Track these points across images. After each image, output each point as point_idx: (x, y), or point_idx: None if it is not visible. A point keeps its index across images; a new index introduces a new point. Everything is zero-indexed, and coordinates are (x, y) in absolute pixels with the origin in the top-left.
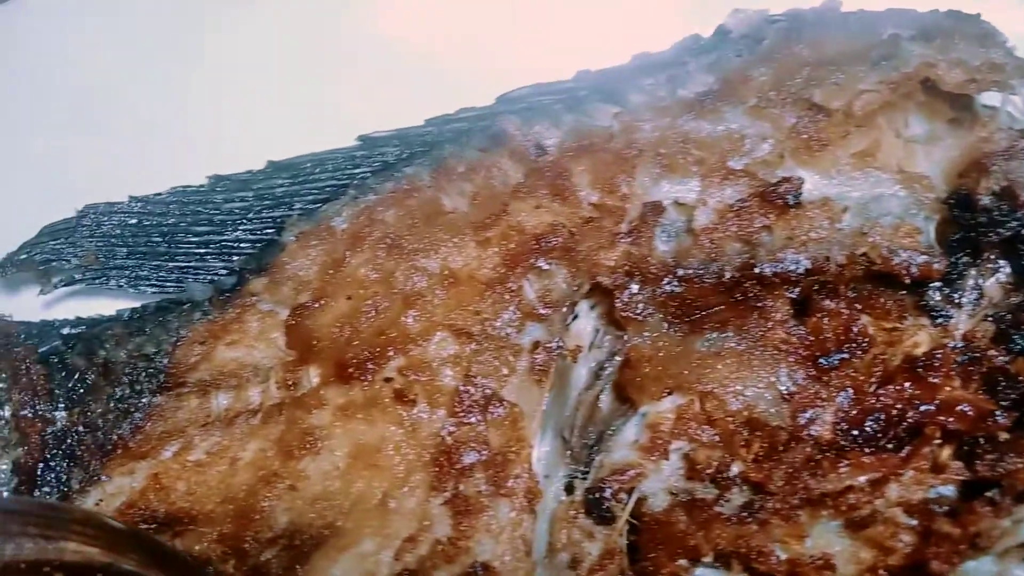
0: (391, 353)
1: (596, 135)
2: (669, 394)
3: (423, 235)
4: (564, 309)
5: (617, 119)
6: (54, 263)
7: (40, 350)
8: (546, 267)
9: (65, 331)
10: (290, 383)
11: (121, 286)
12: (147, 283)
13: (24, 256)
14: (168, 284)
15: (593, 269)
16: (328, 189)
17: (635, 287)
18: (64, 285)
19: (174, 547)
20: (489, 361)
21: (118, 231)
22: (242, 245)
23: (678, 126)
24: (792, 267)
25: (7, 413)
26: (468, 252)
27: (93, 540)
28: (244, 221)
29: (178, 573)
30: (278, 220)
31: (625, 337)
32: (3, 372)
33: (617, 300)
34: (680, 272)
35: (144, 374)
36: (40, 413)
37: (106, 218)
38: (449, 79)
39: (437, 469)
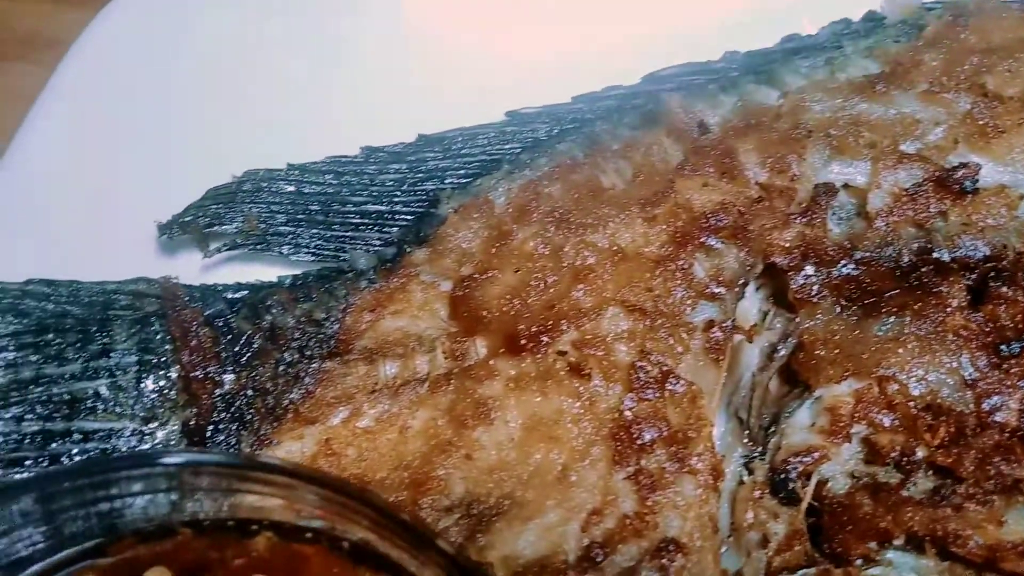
0: (564, 327)
1: (761, 114)
2: (847, 378)
3: (590, 210)
4: (736, 289)
5: (784, 99)
6: (217, 227)
7: (205, 313)
8: (716, 246)
9: (229, 295)
10: (457, 354)
11: (282, 253)
12: (305, 250)
13: (189, 218)
14: (326, 252)
15: (767, 249)
16: (478, 163)
17: (810, 269)
18: (227, 249)
19: (404, 510)
20: (663, 338)
21: (277, 198)
22: (397, 216)
23: (848, 108)
24: (970, 253)
25: (175, 374)
26: (635, 229)
27: (314, 502)
28: (398, 193)
29: (408, 540)
30: (430, 193)
31: (797, 319)
32: (171, 334)
33: (792, 282)
34: (856, 255)
35: (314, 339)
36: (209, 375)
37: (266, 184)
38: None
39: (617, 444)
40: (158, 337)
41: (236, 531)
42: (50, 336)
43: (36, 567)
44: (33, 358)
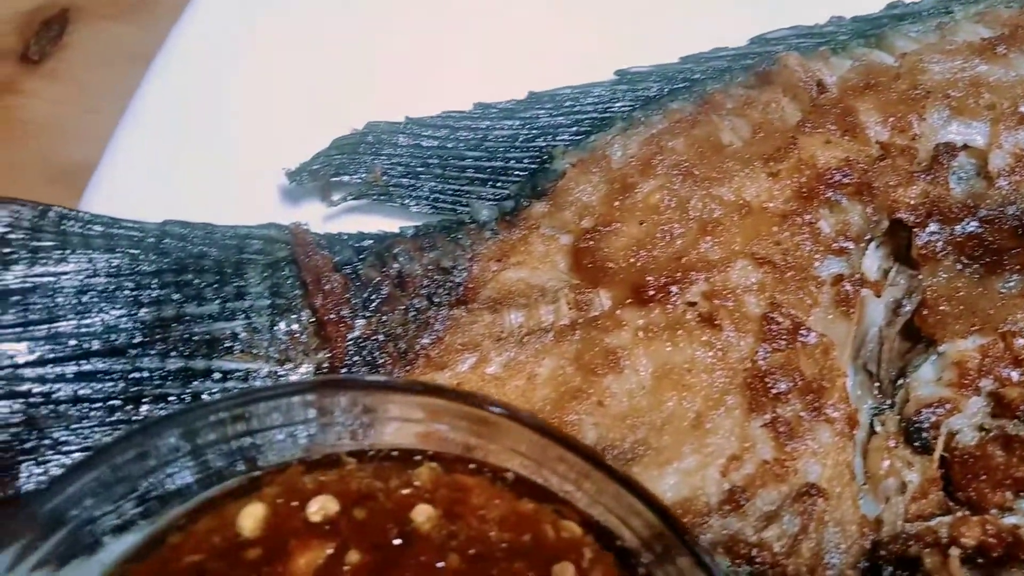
0: (693, 278)
1: (879, 74)
2: (972, 333)
3: (714, 164)
4: (862, 244)
5: (902, 60)
6: (343, 176)
7: (334, 260)
8: (841, 202)
9: (354, 244)
10: (581, 305)
11: (403, 204)
12: (425, 202)
13: (317, 167)
14: (443, 205)
15: (892, 206)
16: (589, 120)
17: (934, 226)
18: (353, 199)
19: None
20: (793, 291)
21: (397, 150)
22: (510, 171)
23: (967, 70)
24: None
25: (307, 318)
26: (760, 184)
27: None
28: (511, 149)
29: (577, 470)
30: (542, 149)
31: (919, 276)
32: (302, 279)
33: (916, 238)
34: (979, 214)
35: (442, 287)
36: (342, 319)
37: (387, 136)
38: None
39: (751, 393)
40: (288, 282)
41: (399, 462)
42: (189, 276)
43: (194, 500)
44: (175, 297)
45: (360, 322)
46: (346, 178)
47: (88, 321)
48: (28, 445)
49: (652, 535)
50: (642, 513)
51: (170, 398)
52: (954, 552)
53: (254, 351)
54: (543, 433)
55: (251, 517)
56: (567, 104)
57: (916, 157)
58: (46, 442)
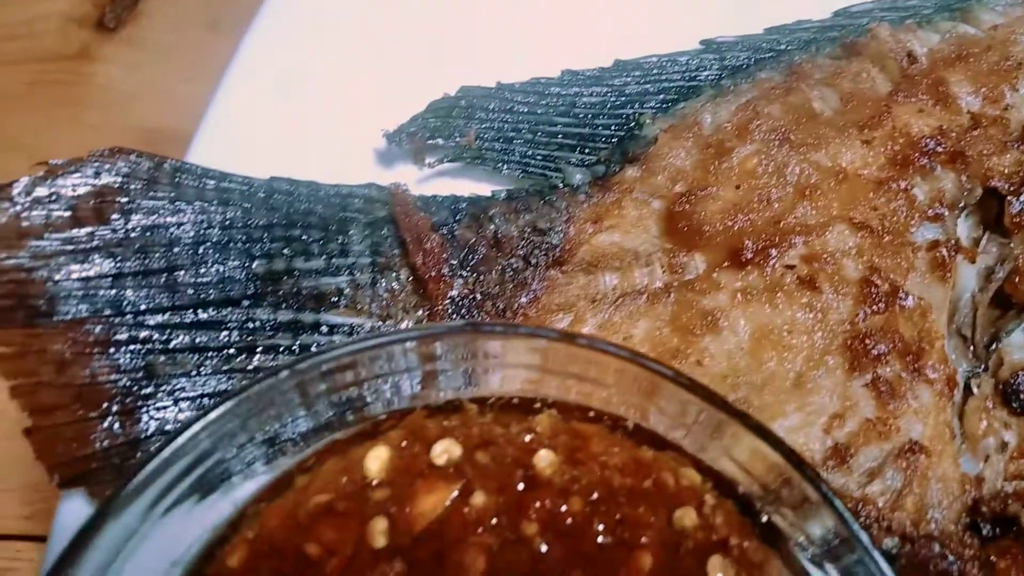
0: (792, 241)
1: (969, 46)
2: None
3: (809, 131)
4: (956, 212)
5: (993, 32)
6: (437, 140)
7: (432, 221)
8: (935, 170)
9: (450, 206)
10: (676, 268)
11: (496, 167)
12: (516, 166)
13: (414, 128)
14: (534, 169)
15: (986, 175)
16: (676, 88)
17: None
18: (449, 161)
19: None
20: (890, 255)
21: (489, 115)
22: (598, 138)
23: None
24: None
25: (406, 277)
26: (855, 151)
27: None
28: (600, 115)
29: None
30: (630, 116)
31: (1011, 244)
32: (402, 238)
33: (1009, 207)
34: None
35: (538, 248)
36: (441, 277)
37: (479, 101)
38: None
39: (852, 354)
40: (388, 241)
41: (519, 410)
42: (297, 232)
43: (318, 444)
44: (285, 251)
45: (458, 281)
46: (440, 141)
47: (204, 271)
48: (147, 391)
49: (777, 480)
50: (767, 457)
51: (281, 349)
52: None
53: (358, 306)
54: (664, 377)
55: (377, 460)
56: (654, 72)
57: (1008, 127)
58: (164, 388)
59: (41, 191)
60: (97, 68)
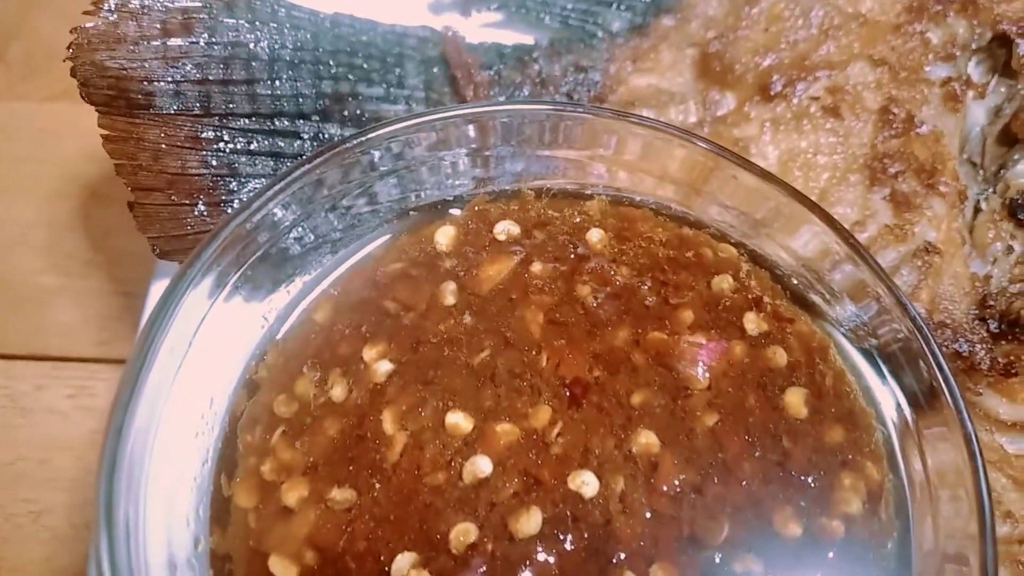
0: (817, 75)
1: None
2: None
3: None
4: (967, 53)
5: None
6: None
7: (480, 61)
8: (948, 16)
9: (498, 50)
10: (709, 104)
11: (540, 17)
12: (558, 17)
13: None
14: (574, 20)
15: (995, 20)
16: None
17: None
18: (496, 9)
19: None
20: (907, 88)
21: None
22: None
23: None
24: None
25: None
26: None
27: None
28: None
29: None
30: None
31: (1019, 85)
32: (453, 75)
33: (1017, 49)
34: None
35: (580, 85)
36: None
37: None
38: None
39: (871, 172)
40: (439, 78)
41: (572, 196)
42: (359, 60)
43: (391, 223)
44: (350, 76)
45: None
46: None
47: (279, 85)
48: (231, 187)
49: (823, 262)
50: (812, 226)
51: None
52: None
53: None
54: (723, 156)
55: (445, 235)
56: None
57: None
58: (245, 187)
59: (134, 4)
60: None
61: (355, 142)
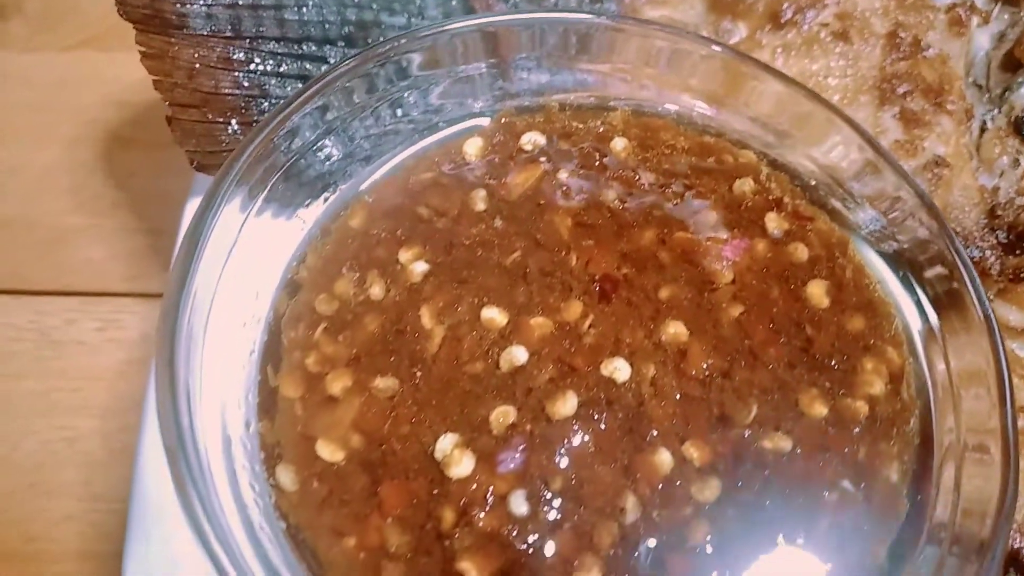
0: (825, 3)
1: None
2: None
3: None
4: None
5: None
6: None
7: None
8: None
9: None
10: (722, 33)
11: None
12: None
13: None
14: None
15: None
16: None
17: None
18: None
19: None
20: (913, 14)
21: None
22: None
23: None
24: None
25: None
26: None
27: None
28: None
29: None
30: None
31: (1021, 13)
32: (474, 6)
33: None
34: None
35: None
36: None
37: None
38: None
39: (880, 92)
40: (459, 10)
41: (596, 108)
42: None
43: (420, 136)
44: (373, 5)
45: None
46: None
47: (306, 12)
48: (263, 107)
49: (849, 170)
50: (836, 132)
51: None
52: None
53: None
54: (739, 55)
55: (473, 146)
56: None
57: None
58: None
59: None
60: None
61: (379, 51)
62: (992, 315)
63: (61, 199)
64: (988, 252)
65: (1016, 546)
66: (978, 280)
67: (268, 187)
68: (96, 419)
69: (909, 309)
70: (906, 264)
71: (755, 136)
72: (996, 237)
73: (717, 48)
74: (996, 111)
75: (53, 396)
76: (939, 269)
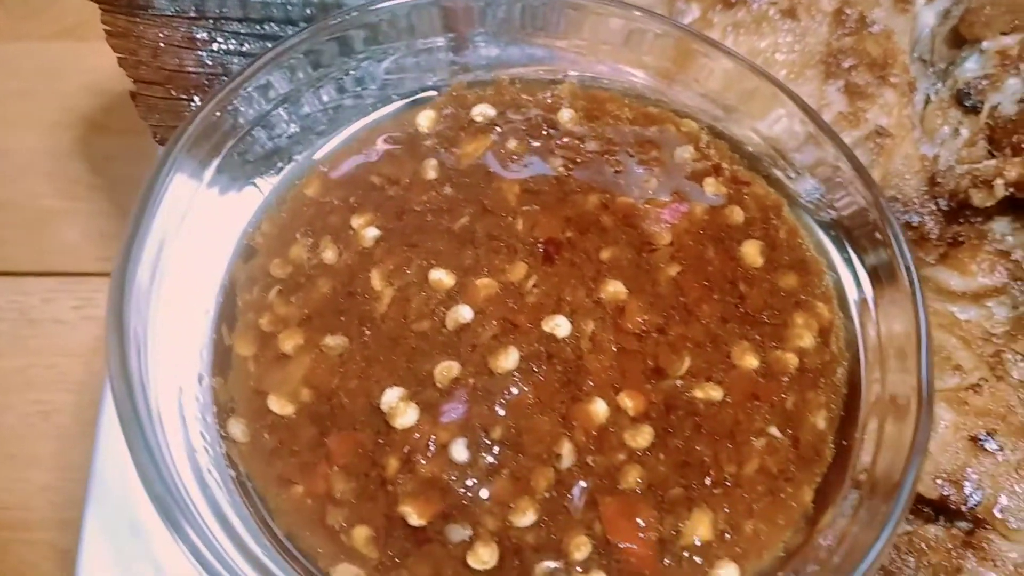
0: None
1: None
2: (1014, 30)
3: None
4: None
5: None
6: None
7: None
8: None
9: None
10: (675, 14)
11: None
12: None
13: None
14: None
15: None
16: None
17: None
18: None
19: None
20: None
21: None
22: None
23: None
24: None
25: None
26: None
27: None
28: None
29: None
30: None
31: None
32: None
33: None
34: None
35: None
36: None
37: None
38: None
39: (826, 67)
40: None
41: (545, 82)
42: None
43: (372, 110)
44: None
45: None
46: None
47: None
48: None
49: (782, 134)
50: (780, 106)
51: None
52: (998, 182)
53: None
54: (690, 32)
55: (426, 118)
56: None
57: None
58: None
59: None
60: None
61: (333, 23)
62: (918, 282)
63: (42, 182)
64: (928, 218)
65: (944, 494)
66: (907, 248)
67: (222, 155)
68: (71, 393)
69: (844, 273)
70: (844, 231)
71: (704, 111)
72: (936, 204)
73: (670, 27)
74: (940, 84)
75: (30, 372)
76: (875, 236)
